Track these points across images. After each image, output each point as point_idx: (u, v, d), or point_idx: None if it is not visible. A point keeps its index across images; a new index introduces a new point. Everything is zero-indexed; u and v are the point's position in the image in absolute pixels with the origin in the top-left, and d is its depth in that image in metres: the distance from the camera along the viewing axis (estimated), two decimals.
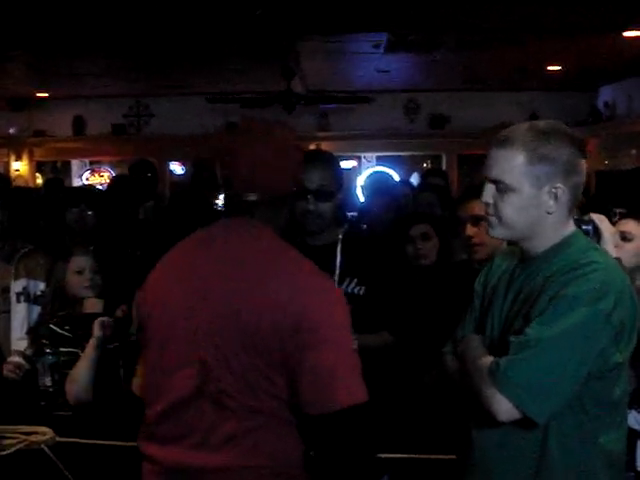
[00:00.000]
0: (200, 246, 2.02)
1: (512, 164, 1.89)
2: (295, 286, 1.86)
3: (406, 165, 12.45)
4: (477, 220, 2.99)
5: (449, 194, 5.19)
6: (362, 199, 5.49)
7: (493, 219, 1.96)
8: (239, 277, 1.88)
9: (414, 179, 9.63)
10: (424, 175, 6.81)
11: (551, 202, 1.89)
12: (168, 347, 1.94)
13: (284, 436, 1.89)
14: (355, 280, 2.77)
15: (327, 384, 1.82)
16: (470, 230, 3.02)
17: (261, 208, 1.97)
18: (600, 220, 2.37)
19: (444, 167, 11.74)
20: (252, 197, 1.94)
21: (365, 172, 11.08)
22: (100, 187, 10.63)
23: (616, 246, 2.43)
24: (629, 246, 3.01)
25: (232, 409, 1.85)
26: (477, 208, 2.98)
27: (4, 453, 2.64)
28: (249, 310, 1.83)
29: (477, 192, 3.06)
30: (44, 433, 2.66)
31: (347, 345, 1.90)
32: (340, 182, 2.81)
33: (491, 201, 1.95)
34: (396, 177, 8.05)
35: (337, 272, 2.77)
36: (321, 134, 11.80)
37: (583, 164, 1.92)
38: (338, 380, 1.82)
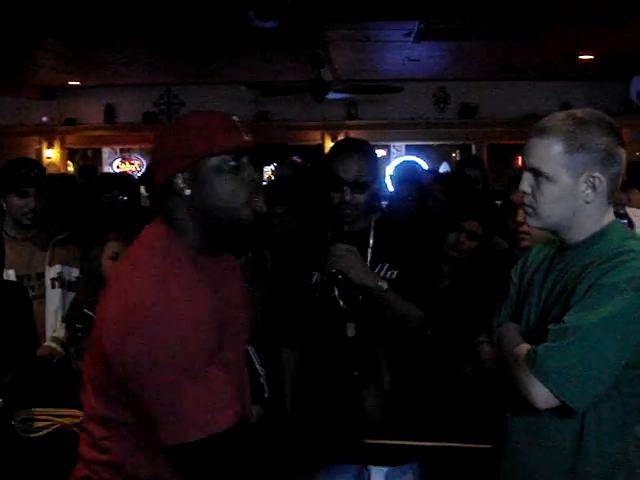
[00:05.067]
0: None
1: (549, 153, 1.87)
2: (126, 302, 1.64)
3: (435, 154, 12.42)
4: None
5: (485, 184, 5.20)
6: (390, 188, 5.49)
7: (530, 209, 1.94)
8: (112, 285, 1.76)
9: (443, 168, 9.59)
10: (459, 164, 6.77)
11: (589, 191, 1.87)
12: None
13: None
14: (387, 265, 2.77)
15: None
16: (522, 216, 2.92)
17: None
18: (634, 214, 2.35)
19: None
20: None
21: (394, 161, 11.06)
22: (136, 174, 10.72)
23: None
24: None
25: None
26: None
27: (37, 435, 2.68)
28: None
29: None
30: (76, 416, 2.67)
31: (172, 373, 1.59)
32: (376, 172, 2.79)
33: (529, 190, 1.93)
34: (425, 166, 8.02)
35: (369, 257, 2.78)
36: (350, 123, 11.80)
37: (622, 153, 1.89)
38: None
